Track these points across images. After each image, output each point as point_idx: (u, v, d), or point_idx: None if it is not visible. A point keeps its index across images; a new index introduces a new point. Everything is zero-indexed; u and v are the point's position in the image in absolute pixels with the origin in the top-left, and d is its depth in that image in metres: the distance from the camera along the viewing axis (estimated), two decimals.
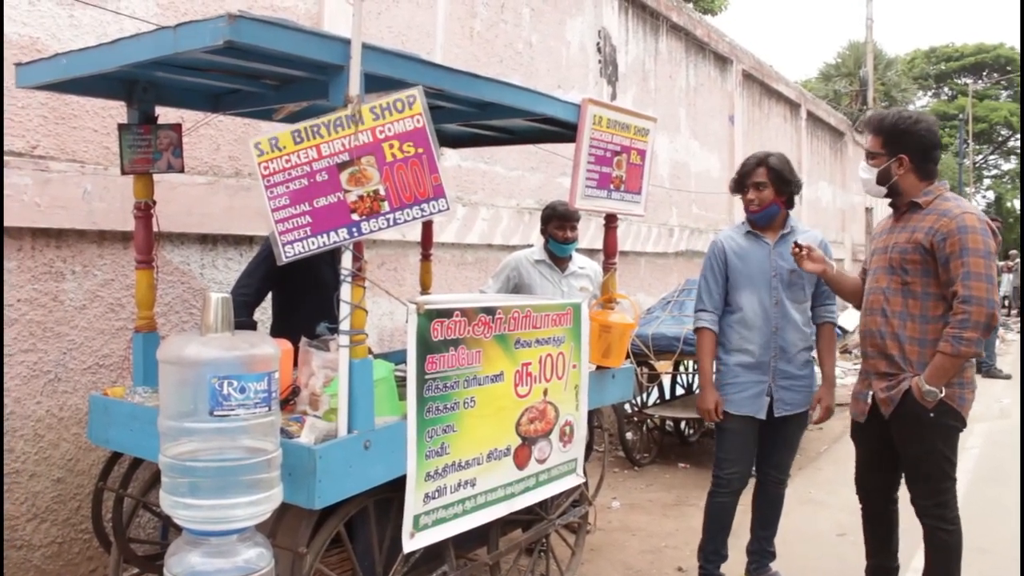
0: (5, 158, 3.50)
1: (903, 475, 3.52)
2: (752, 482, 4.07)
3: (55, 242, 3.73)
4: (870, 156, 3.46)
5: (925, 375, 3.26)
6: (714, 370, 3.98)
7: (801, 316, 3.90)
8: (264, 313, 4.05)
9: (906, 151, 3.34)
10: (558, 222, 4.71)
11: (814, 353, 4.02)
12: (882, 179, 3.42)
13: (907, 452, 3.42)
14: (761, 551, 4.08)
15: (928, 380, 3.24)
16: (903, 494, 3.57)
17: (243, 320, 3.46)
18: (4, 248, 3.55)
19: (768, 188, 3.81)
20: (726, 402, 3.88)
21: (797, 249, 3.71)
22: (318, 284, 3.82)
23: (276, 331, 3.84)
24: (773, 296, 3.83)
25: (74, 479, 3.82)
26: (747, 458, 3.95)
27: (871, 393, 3.50)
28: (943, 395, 3.24)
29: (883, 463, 3.59)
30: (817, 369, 4.06)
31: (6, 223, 3.49)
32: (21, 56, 3.52)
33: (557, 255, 4.80)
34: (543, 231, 4.83)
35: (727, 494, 3.93)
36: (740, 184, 3.89)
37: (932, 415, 3.27)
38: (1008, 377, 11.33)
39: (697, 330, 3.96)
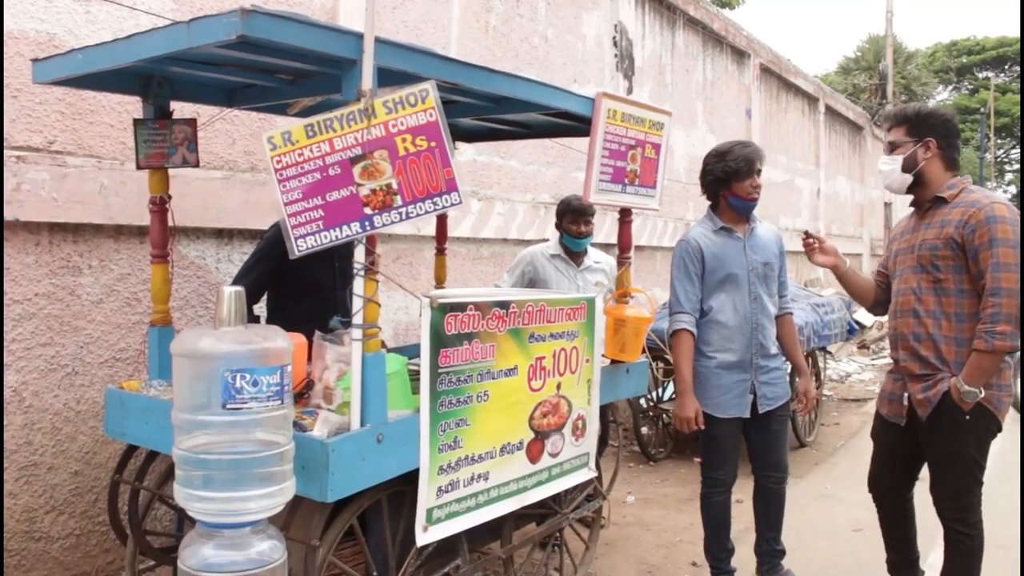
0: (23, 153, 3.53)
1: (929, 476, 3.42)
2: (752, 483, 4.04)
3: (72, 237, 3.76)
4: (894, 147, 3.40)
5: (963, 375, 3.16)
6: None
7: (774, 309, 3.89)
8: (260, 311, 4.07)
9: (933, 134, 3.31)
10: (572, 216, 4.71)
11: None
12: (908, 166, 3.33)
13: (936, 454, 3.32)
14: (771, 551, 4.02)
15: (967, 380, 3.14)
16: (918, 489, 3.54)
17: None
18: (23, 243, 3.58)
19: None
20: (711, 406, 3.78)
21: (808, 239, 3.67)
22: (314, 285, 3.83)
23: None
24: (752, 292, 3.78)
25: (91, 472, 3.86)
26: (736, 455, 3.91)
27: (906, 395, 3.40)
28: (983, 396, 3.14)
29: (902, 462, 3.55)
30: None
31: (25, 218, 3.52)
32: (38, 52, 3.55)
33: (572, 250, 4.80)
34: (558, 225, 4.84)
35: (723, 492, 3.90)
36: (750, 169, 3.72)
37: (968, 417, 3.17)
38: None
39: (674, 333, 3.78)
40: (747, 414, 3.80)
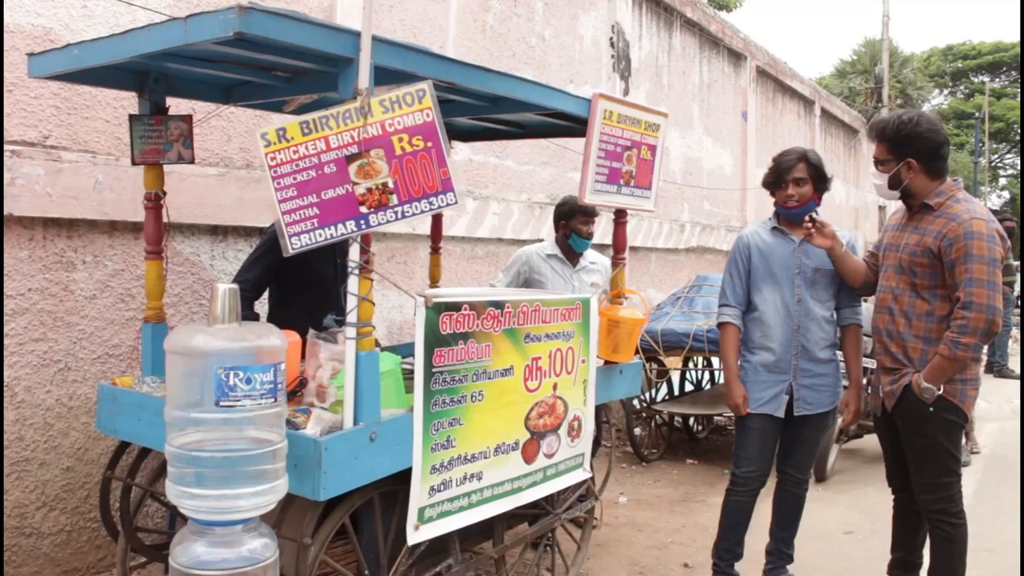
0: (18, 148, 3.52)
1: (910, 470, 3.52)
2: (773, 483, 4.03)
3: (66, 232, 3.75)
4: (879, 163, 3.48)
5: (923, 373, 3.32)
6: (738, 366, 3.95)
7: (825, 314, 3.84)
8: (262, 306, 4.06)
9: (913, 155, 3.37)
10: (583, 217, 4.63)
11: (839, 352, 3.97)
12: (893, 184, 3.44)
13: (910, 446, 3.46)
14: (778, 552, 4.03)
15: (926, 378, 3.31)
16: None
17: (245, 313, 3.47)
18: (16, 238, 3.57)
19: (808, 184, 3.76)
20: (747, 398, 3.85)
21: (809, 223, 3.69)
22: (316, 280, 3.83)
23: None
24: (795, 294, 3.79)
25: (83, 468, 3.85)
26: (766, 457, 3.89)
27: (880, 387, 3.56)
28: (940, 392, 3.30)
29: (893, 452, 3.64)
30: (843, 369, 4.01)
31: (19, 212, 3.51)
32: (34, 46, 3.54)
33: (576, 250, 4.75)
34: (564, 226, 4.75)
35: (744, 493, 3.88)
36: (778, 180, 3.80)
37: (932, 409, 3.33)
38: (1019, 377, 11.27)
39: (720, 325, 3.94)
40: (780, 414, 3.81)
